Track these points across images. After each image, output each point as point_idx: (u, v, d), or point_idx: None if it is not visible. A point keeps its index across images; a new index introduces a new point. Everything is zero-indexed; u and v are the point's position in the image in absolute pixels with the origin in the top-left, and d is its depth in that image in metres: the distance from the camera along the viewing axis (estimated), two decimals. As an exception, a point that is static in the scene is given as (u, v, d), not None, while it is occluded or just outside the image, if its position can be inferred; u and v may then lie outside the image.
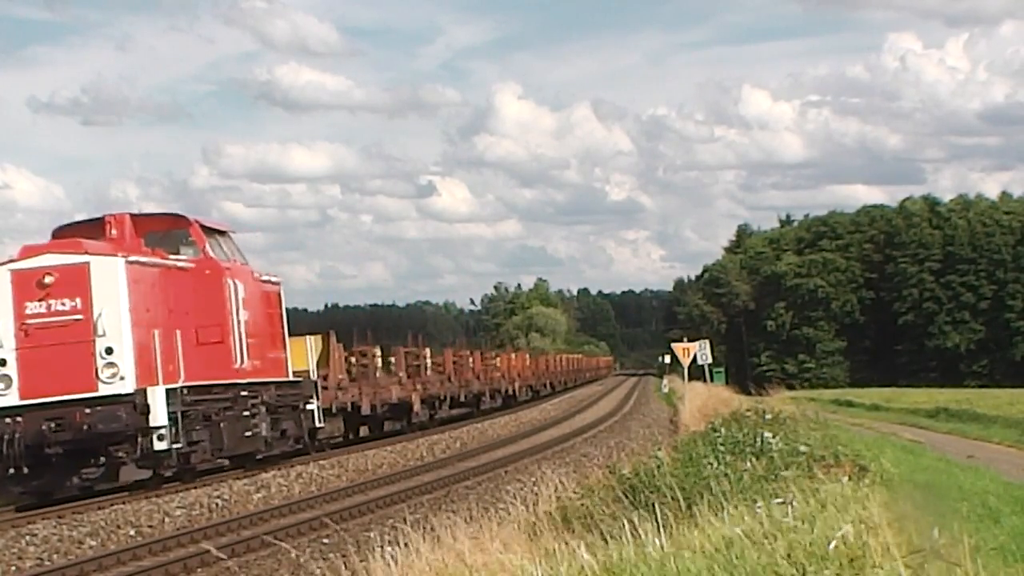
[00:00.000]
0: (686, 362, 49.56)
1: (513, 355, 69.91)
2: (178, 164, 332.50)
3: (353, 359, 40.17)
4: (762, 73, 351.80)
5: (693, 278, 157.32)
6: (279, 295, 31.04)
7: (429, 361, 48.33)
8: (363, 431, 42.33)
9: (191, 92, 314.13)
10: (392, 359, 44.55)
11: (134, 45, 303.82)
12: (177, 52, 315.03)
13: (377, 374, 40.92)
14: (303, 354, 32.45)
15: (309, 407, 31.57)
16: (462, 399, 51.48)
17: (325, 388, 34.29)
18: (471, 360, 55.97)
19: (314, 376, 32.58)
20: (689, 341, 53.71)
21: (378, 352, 41.89)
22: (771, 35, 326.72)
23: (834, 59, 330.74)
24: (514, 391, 63.56)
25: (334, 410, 35.88)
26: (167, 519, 22.66)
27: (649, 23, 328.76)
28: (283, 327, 30.67)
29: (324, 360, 35.34)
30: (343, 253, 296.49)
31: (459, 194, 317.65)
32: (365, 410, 38.59)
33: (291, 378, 30.73)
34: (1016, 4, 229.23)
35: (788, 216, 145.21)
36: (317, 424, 32.22)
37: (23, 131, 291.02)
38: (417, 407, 43.03)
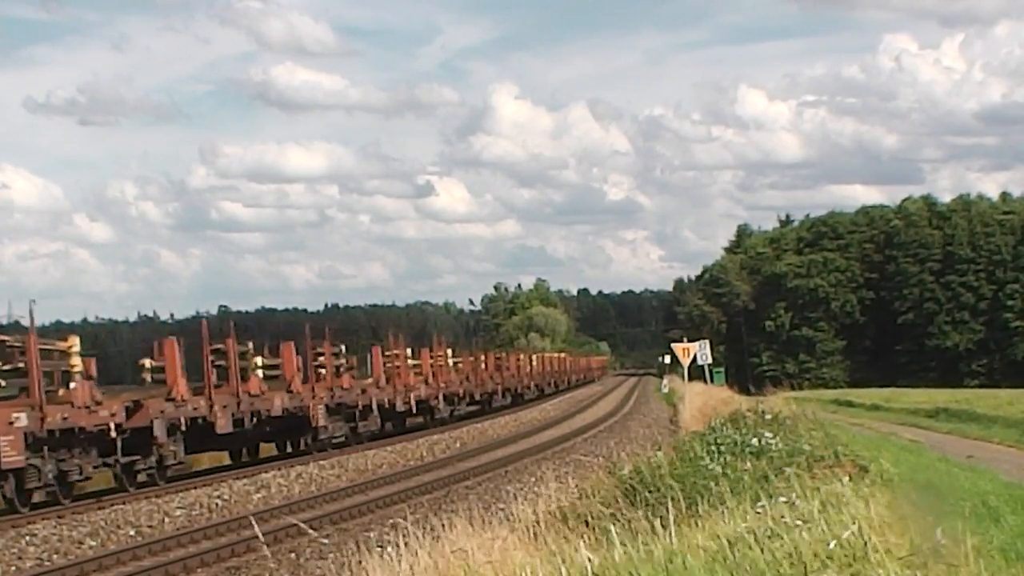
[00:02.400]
0: (686, 362, 49.53)
1: (405, 351, 46.94)
2: (176, 164, 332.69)
3: None
4: (758, 73, 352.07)
5: (693, 278, 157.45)
6: None
7: (78, 365, 25.07)
8: None
9: (188, 92, 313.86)
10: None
11: (130, 45, 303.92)
12: (173, 52, 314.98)
13: None
14: None
15: None
16: (235, 425, 30.99)
17: None
18: (242, 357, 32.67)
19: None
20: (689, 341, 53.70)
21: None
22: (767, 35, 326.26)
23: (830, 59, 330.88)
24: (414, 404, 44.42)
25: None
26: (167, 519, 22.67)
27: (646, 23, 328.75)
28: None
29: None
30: (342, 253, 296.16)
31: (457, 194, 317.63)
32: None
33: None
34: (1011, 4, 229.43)
35: (788, 216, 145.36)
36: None
37: (20, 131, 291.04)
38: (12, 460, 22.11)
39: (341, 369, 39.30)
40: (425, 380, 47.53)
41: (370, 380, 42.28)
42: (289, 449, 36.34)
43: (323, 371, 38.24)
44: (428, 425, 46.86)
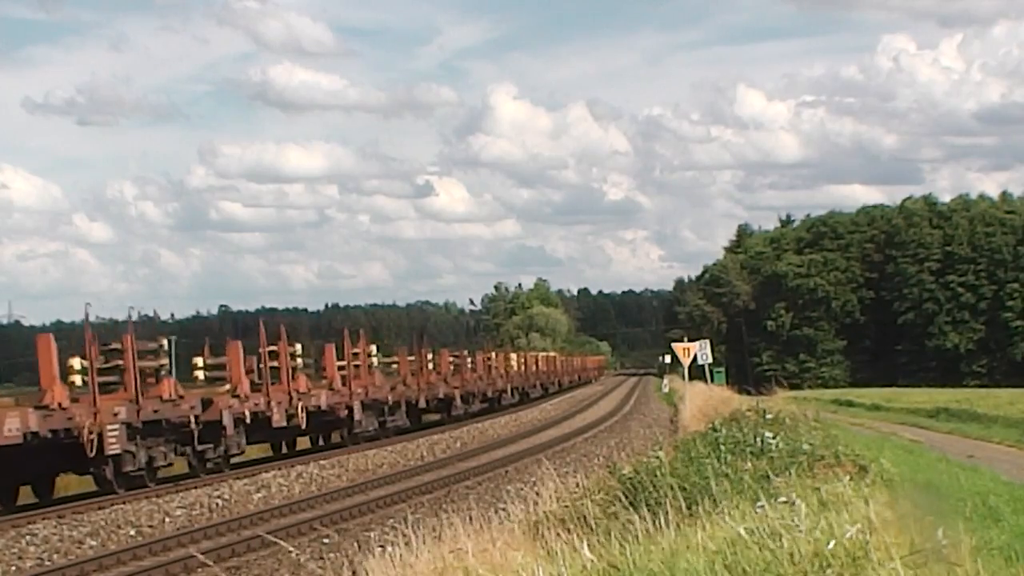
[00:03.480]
0: (686, 362, 49.50)
1: (290, 348, 35.75)
2: (175, 164, 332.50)
3: None
4: (757, 73, 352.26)
5: (692, 278, 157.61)
6: None
7: None
8: None
9: (187, 92, 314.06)
10: None
11: (128, 45, 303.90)
12: (172, 52, 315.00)
13: None
14: None
15: None
16: None
17: None
18: None
19: None
20: (689, 341, 53.67)
21: None
22: (766, 35, 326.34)
23: (829, 59, 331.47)
24: (305, 417, 34.51)
25: None
26: (167, 519, 22.67)
27: (645, 23, 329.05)
28: None
29: None
30: (341, 253, 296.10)
31: (457, 194, 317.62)
32: None
33: None
34: (1009, 5, 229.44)
35: (788, 216, 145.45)
36: None
37: (19, 131, 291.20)
38: None
39: (162, 373, 28.43)
40: (329, 385, 37.66)
41: (225, 388, 31.54)
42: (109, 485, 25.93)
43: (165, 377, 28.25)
44: (347, 442, 38.65)
